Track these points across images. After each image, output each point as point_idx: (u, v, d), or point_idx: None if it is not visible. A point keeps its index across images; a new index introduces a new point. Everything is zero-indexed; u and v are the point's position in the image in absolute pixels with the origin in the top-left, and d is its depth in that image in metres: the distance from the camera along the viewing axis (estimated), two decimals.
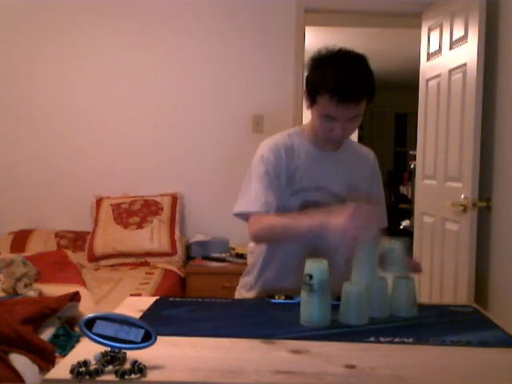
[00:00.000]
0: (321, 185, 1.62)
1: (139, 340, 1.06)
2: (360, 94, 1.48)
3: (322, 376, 1.02)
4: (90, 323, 1.03)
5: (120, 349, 1.04)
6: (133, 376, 0.99)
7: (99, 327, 1.03)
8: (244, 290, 1.75)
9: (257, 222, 1.54)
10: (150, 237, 3.19)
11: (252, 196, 1.57)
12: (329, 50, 1.53)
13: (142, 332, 1.06)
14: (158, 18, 3.48)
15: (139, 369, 1.00)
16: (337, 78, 1.46)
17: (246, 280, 1.76)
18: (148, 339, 1.06)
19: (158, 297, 1.64)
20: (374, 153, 1.79)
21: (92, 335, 1.02)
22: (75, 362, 1.00)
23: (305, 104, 1.60)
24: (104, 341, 1.03)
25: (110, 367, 1.01)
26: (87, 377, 0.98)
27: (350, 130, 1.56)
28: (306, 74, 1.57)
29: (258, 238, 1.61)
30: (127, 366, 1.01)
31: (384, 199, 1.79)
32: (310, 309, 1.29)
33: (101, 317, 1.05)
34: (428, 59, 3.24)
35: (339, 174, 1.65)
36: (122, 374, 0.98)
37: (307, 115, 1.62)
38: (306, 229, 1.41)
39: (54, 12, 3.47)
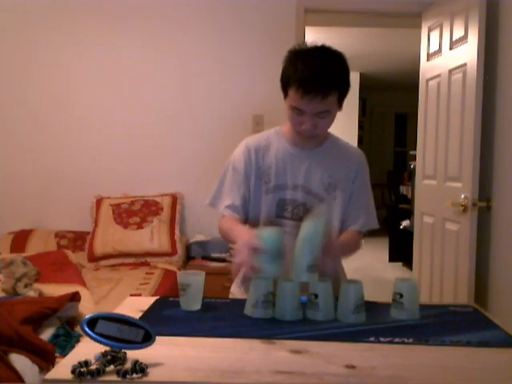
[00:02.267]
0: (299, 183, 1.62)
1: (139, 340, 1.06)
2: (325, 89, 1.46)
3: (322, 376, 1.02)
4: (92, 323, 1.03)
5: (121, 349, 1.04)
6: (134, 376, 0.99)
7: (100, 327, 1.03)
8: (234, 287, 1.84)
9: (220, 220, 1.68)
10: (150, 237, 3.19)
11: (220, 194, 1.71)
12: (307, 45, 1.56)
13: (142, 332, 1.06)
14: (158, 19, 3.48)
15: (140, 368, 1.00)
16: (304, 71, 1.47)
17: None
18: (148, 339, 1.07)
19: (158, 297, 1.64)
20: (364, 153, 1.76)
21: (94, 335, 1.02)
22: (76, 362, 1.00)
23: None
24: (105, 341, 1.03)
25: (111, 367, 1.01)
26: (88, 377, 0.98)
27: (321, 126, 1.55)
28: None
29: (220, 234, 1.71)
30: (128, 365, 1.01)
31: (370, 200, 1.73)
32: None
33: (102, 316, 1.05)
34: (428, 59, 3.24)
35: (318, 172, 1.63)
36: (123, 374, 0.98)
37: None
38: (235, 240, 1.49)
39: (54, 12, 3.47)
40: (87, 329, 1.02)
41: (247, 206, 1.66)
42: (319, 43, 1.55)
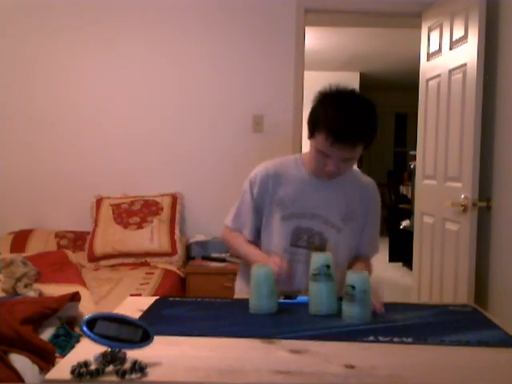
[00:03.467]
0: (316, 212, 1.64)
1: (138, 339, 1.06)
2: (356, 139, 1.48)
3: (321, 376, 1.03)
4: (91, 323, 1.03)
5: (120, 348, 1.05)
6: (133, 375, 0.99)
7: (99, 327, 1.03)
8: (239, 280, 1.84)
9: (227, 233, 1.82)
10: (150, 237, 3.19)
11: (234, 215, 1.79)
12: (338, 89, 1.54)
13: (140, 332, 1.07)
14: (159, 19, 3.48)
15: (140, 368, 1.00)
16: (335, 119, 1.46)
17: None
18: (147, 339, 1.07)
19: (157, 297, 1.64)
20: (374, 181, 1.80)
21: (93, 336, 1.02)
22: (75, 363, 1.01)
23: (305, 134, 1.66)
24: (104, 341, 1.03)
25: (111, 367, 1.01)
26: (88, 377, 0.98)
27: (344, 169, 1.58)
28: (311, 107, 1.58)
29: (224, 243, 1.88)
30: (127, 365, 1.01)
31: (378, 227, 1.80)
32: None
33: (101, 317, 1.05)
34: (428, 59, 3.24)
35: (336, 202, 1.66)
36: (122, 374, 0.99)
37: (307, 115, 1.62)
38: (251, 261, 1.60)
39: (55, 12, 3.47)
40: (86, 330, 1.02)
41: (258, 233, 1.73)
42: (349, 87, 1.55)
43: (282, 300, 1.49)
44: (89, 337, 1.02)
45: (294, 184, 1.66)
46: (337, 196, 1.66)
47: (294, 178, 1.67)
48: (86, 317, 1.04)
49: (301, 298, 1.51)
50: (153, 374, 1.01)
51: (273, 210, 1.67)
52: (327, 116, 1.47)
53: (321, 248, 1.57)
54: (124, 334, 1.05)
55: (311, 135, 1.56)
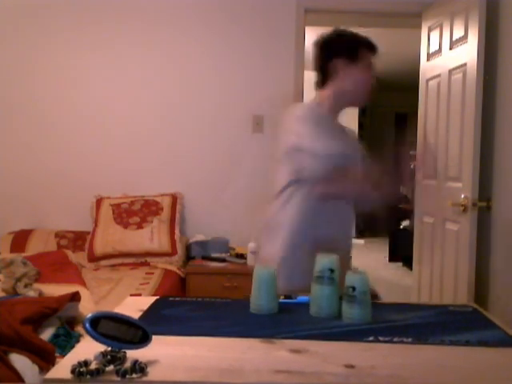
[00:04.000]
0: (344, 151, 1.75)
1: (138, 340, 1.06)
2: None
3: (321, 376, 1.03)
4: (94, 322, 1.03)
5: (120, 348, 1.05)
6: (134, 375, 0.99)
7: (102, 326, 1.03)
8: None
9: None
10: (150, 237, 3.19)
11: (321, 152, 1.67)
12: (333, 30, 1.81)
13: (140, 332, 1.07)
14: (159, 19, 3.48)
15: (140, 368, 1.00)
16: (362, 36, 1.83)
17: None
18: (146, 339, 1.07)
19: (157, 297, 1.64)
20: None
21: (97, 335, 1.02)
22: (75, 362, 1.00)
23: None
24: (108, 340, 1.03)
25: (111, 367, 1.01)
26: (88, 376, 0.98)
27: None
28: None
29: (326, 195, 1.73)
30: (127, 365, 1.01)
31: None
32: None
33: (105, 316, 1.05)
34: (428, 59, 3.24)
35: (352, 142, 1.86)
36: (123, 374, 0.99)
37: None
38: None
39: (55, 12, 3.47)
40: (90, 329, 1.02)
41: None
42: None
43: (282, 300, 1.49)
44: (92, 336, 1.02)
45: (326, 125, 1.76)
46: (349, 137, 1.88)
47: (324, 119, 1.78)
48: (90, 315, 1.03)
49: (301, 298, 1.52)
50: (153, 373, 1.01)
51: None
52: (357, 37, 1.80)
53: None
54: (124, 334, 1.05)
55: (353, 59, 1.76)
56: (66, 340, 1.83)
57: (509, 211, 2.57)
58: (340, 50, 1.76)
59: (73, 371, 0.99)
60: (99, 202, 3.40)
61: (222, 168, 3.53)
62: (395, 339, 1.22)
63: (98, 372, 0.99)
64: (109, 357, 1.03)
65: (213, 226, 3.49)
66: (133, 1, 3.49)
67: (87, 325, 1.02)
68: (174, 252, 3.19)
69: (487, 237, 2.73)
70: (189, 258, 3.33)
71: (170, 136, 3.53)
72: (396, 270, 5.68)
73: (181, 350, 1.14)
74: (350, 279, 1.35)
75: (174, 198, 3.43)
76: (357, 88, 1.80)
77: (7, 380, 1.44)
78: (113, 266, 3.11)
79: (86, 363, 1.01)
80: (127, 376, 0.99)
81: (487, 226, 2.73)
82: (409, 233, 4.63)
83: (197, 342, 1.19)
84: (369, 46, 1.81)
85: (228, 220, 3.52)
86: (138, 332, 1.06)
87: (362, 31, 1.87)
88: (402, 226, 5.82)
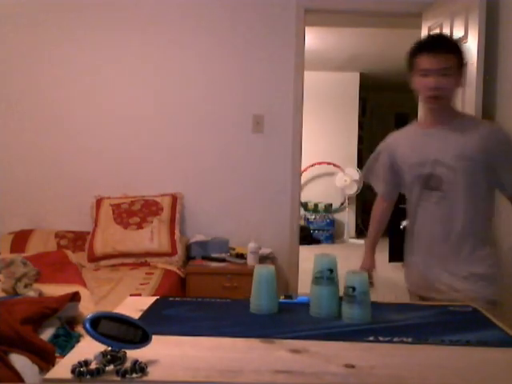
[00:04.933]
0: (431, 158, 1.82)
1: (138, 340, 1.06)
2: (446, 46, 1.77)
3: (321, 376, 1.03)
4: (94, 322, 1.03)
5: (120, 348, 1.05)
6: (134, 375, 0.99)
7: (102, 326, 1.03)
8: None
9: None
10: (150, 237, 3.19)
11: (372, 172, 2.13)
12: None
13: (140, 332, 1.07)
14: (159, 19, 3.48)
15: (140, 368, 1.00)
16: (424, 38, 1.99)
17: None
18: (146, 339, 1.07)
19: (157, 297, 1.64)
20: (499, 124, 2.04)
21: (97, 335, 1.02)
22: (75, 362, 1.00)
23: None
24: (108, 341, 1.03)
25: (111, 367, 1.01)
26: (88, 376, 0.98)
27: (443, 85, 1.75)
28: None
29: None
30: (128, 365, 1.01)
31: None
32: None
33: (105, 316, 1.05)
34: None
35: (447, 146, 1.82)
36: (123, 374, 0.99)
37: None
38: None
39: (58, 12, 3.47)
40: (90, 329, 1.02)
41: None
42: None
43: (282, 300, 1.49)
44: (92, 336, 1.02)
45: (408, 139, 1.96)
46: (447, 141, 1.82)
47: (408, 134, 2.00)
48: (90, 315, 1.03)
49: (301, 298, 1.52)
50: (153, 373, 1.01)
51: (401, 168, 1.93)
52: (420, 41, 1.89)
53: (436, 187, 1.82)
54: (124, 334, 1.05)
55: (410, 71, 1.83)
56: (66, 340, 1.83)
57: (509, 211, 2.57)
58: (407, 66, 1.89)
59: (73, 371, 0.99)
60: (99, 202, 3.40)
61: (222, 168, 3.53)
62: (395, 339, 1.22)
63: (98, 372, 0.99)
64: (109, 357, 1.03)
65: (213, 226, 3.49)
66: (133, 1, 3.49)
67: (87, 325, 1.02)
68: (173, 252, 3.19)
69: None
70: (189, 258, 3.33)
71: (170, 136, 3.53)
72: (396, 270, 5.67)
73: (181, 350, 1.14)
74: (350, 279, 1.35)
75: (174, 198, 3.43)
76: (421, 95, 1.88)
77: (7, 380, 1.43)
78: (113, 266, 3.11)
79: (86, 363, 1.01)
80: (127, 376, 0.99)
81: None
82: None
83: (197, 342, 1.19)
84: (416, 51, 1.82)
85: (228, 220, 3.52)
86: (137, 332, 1.06)
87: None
88: (402, 226, 5.81)
